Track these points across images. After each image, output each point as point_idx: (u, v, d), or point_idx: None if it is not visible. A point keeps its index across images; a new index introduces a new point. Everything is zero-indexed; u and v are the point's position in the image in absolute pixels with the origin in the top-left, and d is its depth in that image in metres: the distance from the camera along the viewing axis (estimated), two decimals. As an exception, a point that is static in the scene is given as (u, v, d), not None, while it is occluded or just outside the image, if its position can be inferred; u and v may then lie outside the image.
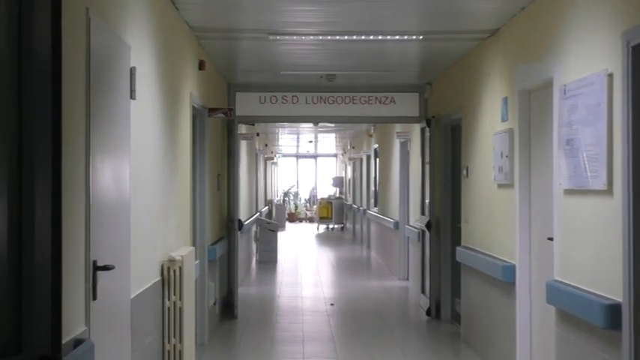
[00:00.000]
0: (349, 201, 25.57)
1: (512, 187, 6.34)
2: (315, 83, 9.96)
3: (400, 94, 10.16)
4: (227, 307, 9.71)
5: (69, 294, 3.36)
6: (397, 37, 7.20)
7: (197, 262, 7.19)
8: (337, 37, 7.23)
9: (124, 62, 4.37)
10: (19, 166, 2.68)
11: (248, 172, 15.03)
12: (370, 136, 17.66)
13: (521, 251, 6.15)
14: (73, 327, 3.46)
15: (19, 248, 2.66)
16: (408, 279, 12.66)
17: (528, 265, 6.13)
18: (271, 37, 7.16)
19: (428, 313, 9.66)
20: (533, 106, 6.10)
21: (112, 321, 4.14)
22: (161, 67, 5.57)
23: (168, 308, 5.71)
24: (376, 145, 16.86)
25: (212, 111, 8.25)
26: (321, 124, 15.43)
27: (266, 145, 21.20)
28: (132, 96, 4.52)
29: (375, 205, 17.01)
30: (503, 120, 6.62)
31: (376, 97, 10.11)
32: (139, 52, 4.81)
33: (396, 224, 13.26)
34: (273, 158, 25.80)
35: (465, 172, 8.15)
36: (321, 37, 7.29)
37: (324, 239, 23.15)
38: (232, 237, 9.87)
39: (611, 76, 4.37)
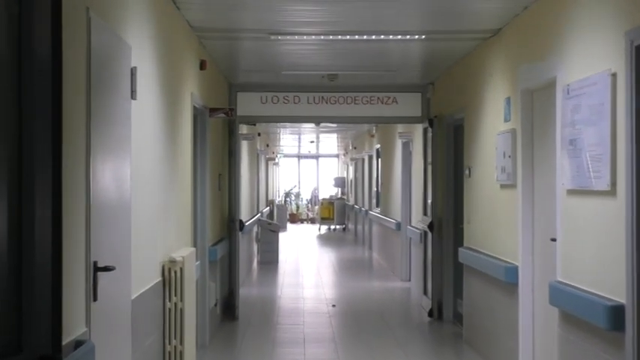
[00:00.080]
0: (351, 201, 25.56)
1: (514, 188, 6.33)
2: (317, 83, 9.94)
3: (402, 94, 10.14)
4: (228, 308, 9.69)
5: (69, 295, 3.35)
6: (399, 36, 7.19)
7: (198, 262, 7.18)
8: (339, 37, 7.23)
9: (124, 62, 4.36)
10: (19, 166, 2.67)
11: (249, 173, 15.02)
12: (372, 136, 17.65)
13: (524, 252, 6.14)
14: (73, 328, 3.45)
15: (19, 248, 2.66)
16: (410, 280, 12.64)
17: (531, 266, 6.11)
18: (272, 37, 7.15)
19: (430, 314, 9.64)
20: (536, 106, 6.08)
21: (112, 322, 4.13)
22: (162, 67, 5.57)
23: (169, 309, 5.70)
24: (378, 146, 16.85)
25: (213, 111, 8.24)
26: (322, 125, 15.41)
27: (267, 145, 21.19)
28: (132, 96, 4.51)
29: (377, 206, 17.00)
30: (506, 120, 6.60)
31: (378, 97, 10.09)
32: (140, 52, 4.80)
33: (398, 225, 13.24)
34: (274, 158, 25.79)
35: (467, 172, 8.14)
36: (322, 37, 7.28)
37: (325, 240, 23.14)
38: (233, 238, 9.85)
39: (614, 75, 4.35)
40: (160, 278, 5.54)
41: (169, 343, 5.72)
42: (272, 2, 6.12)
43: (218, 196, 9.15)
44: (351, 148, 24.27)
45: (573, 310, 4.85)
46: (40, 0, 2.63)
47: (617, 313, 4.21)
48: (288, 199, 32.94)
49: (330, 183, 30.37)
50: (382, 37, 7.20)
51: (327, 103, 10.09)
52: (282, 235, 20.19)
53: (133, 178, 4.51)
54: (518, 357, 6.23)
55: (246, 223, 11.79)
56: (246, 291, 11.75)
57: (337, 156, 32.14)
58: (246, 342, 8.40)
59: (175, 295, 5.72)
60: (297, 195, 33.88)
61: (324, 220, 26.55)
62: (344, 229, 26.62)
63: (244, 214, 12.38)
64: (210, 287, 8.01)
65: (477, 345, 7.71)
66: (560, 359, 5.17)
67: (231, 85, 10.07)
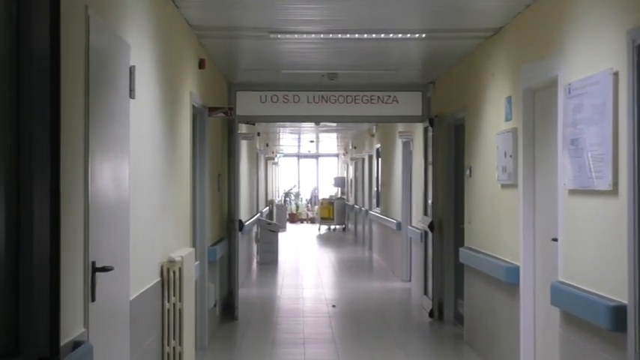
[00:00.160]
0: (351, 201, 25.54)
1: (516, 188, 6.31)
2: (317, 82, 9.92)
3: (403, 94, 10.12)
4: (227, 308, 9.68)
5: (67, 295, 3.34)
6: (400, 35, 7.17)
7: (197, 263, 7.17)
8: (339, 36, 7.21)
9: (123, 61, 4.35)
10: (17, 166, 2.66)
11: (249, 172, 15.00)
12: (372, 135, 17.63)
13: (525, 252, 6.12)
14: (71, 329, 3.44)
15: (17, 249, 2.65)
16: (410, 280, 12.62)
17: (532, 267, 6.10)
18: (272, 36, 7.13)
19: (430, 314, 9.62)
20: (538, 106, 6.07)
21: (111, 323, 4.12)
22: (161, 66, 5.56)
23: (168, 310, 5.69)
24: (378, 145, 16.83)
25: (212, 110, 8.22)
26: (322, 124, 15.40)
27: (267, 144, 21.16)
28: (131, 95, 4.50)
29: (377, 206, 16.98)
30: (507, 119, 6.59)
31: (378, 97, 10.07)
32: (139, 51, 4.80)
33: (399, 225, 13.22)
34: (274, 158, 25.77)
35: (468, 172, 8.13)
36: (322, 36, 7.27)
37: (325, 240, 23.12)
38: (233, 238, 9.83)
39: (616, 74, 4.34)
40: (158, 278, 5.54)
41: (168, 344, 5.71)
42: (272, 1, 6.10)
43: (217, 196, 9.14)
44: (351, 147, 24.25)
45: (575, 310, 4.84)
46: (39, -1, 2.63)
47: (618, 314, 4.19)
48: (287, 198, 32.92)
49: (330, 183, 30.35)
50: (382, 35, 7.18)
51: (327, 102, 10.06)
52: (281, 235, 20.18)
53: (132, 177, 4.50)
54: (520, 358, 6.22)
55: (246, 223, 11.77)
56: (246, 291, 11.74)
57: (337, 155, 32.12)
58: (246, 343, 8.37)
59: (174, 296, 5.71)
60: (297, 195, 33.87)
61: (323, 220, 26.53)
62: (344, 229, 26.61)
63: (244, 214, 12.36)
64: (209, 288, 8.00)
65: (478, 346, 7.69)
66: (561, 360, 5.16)
67: (230, 84, 10.05)
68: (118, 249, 4.22)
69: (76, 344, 3.44)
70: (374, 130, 17.14)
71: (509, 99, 6.56)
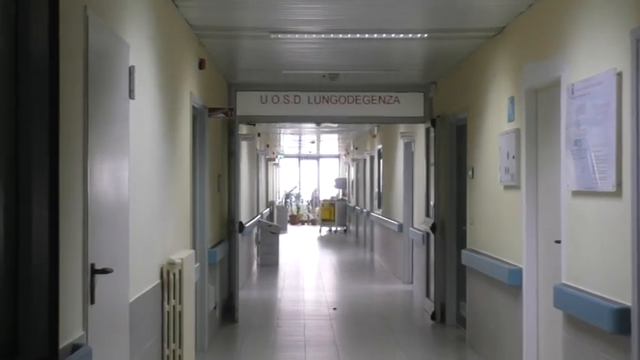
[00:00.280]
0: (352, 203, 25.53)
1: (518, 189, 6.29)
2: (318, 82, 9.91)
3: (404, 94, 10.10)
4: (227, 311, 9.65)
5: (66, 297, 3.33)
6: (401, 35, 7.15)
7: (197, 265, 7.17)
8: (340, 36, 7.20)
9: (122, 61, 4.35)
10: (16, 166, 2.65)
11: (249, 174, 14.99)
12: (374, 136, 17.61)
13: (528, 254, 6.11)
14: (70, 331, 3.43)
15: (15, 250, 2.64)
16: (412, 282, 12.59)
17: (535, 269, 6.09)
18: (273, 36, 7.11)
19: (433, 317, 9.58)
20: (541, 106, 6.06)
21: (110, 325, 4.11)
22: (160, 66, 5.55)
23: (168, 312, 5.68)
24: (380, 146, 16.82)
25: (212, 111, 8.20)
26: (323, 125, 15.39)
27: (267, 145, 21.15)
28: (131, 96, 4.50)
29: (379, 207, 16.97)
30: (510, 120, 6.57)
31: (380, 97, 10.05)
32: (138, 51, 4.80)
33: (400, 226, 13.19)
34: (274, 159, 25.76)
35: (470, 173, 8.11)
36: (323, 36, 7.25)
37: (326, 242, 23.12)
38: (233, 239, 9.81)
39: (620, 75, 4.33)
40: (158, 281, 5.52)
41: (168, 347, 5.69)
42: (272, 0, 6.09)
43: (217, 198, 9.12)
44: (352, 148, 24.24)
45: (578, 312, 4.82)
46: (37, -1, 2.62)
47: (622, 316, 4.17)
48: (288, 200, 32.91)
49: (331, 184, 30.34)
50: (384, 35, 7.17)
51: (327, 102, 10.05)
52: (282, 237, 20.16)
53: (131, 178, 4.49)
54: (522, 360, 6.20)
55: (246, 225, 11.75)
56: (246, 294, 11.72)
57: (338, 156, 32.12)
58: (246, 345, 8.35)
59: (174, 298, 5.70)
60: (298, 196, 33.86)
61: (324, 221, 26.52)
62: (345, 230, 26.60)
63: (244, 215, 12.34)
64: (209, 290, 7.98)
65: (481, 348, 7.67)
66: (565, 363, 5.13)
67: (230, 85, 10.03)
68: (117, 251, 4.21)
69: (75, 347, 3.43)
70: (375, 131, 17.12)
71: (511, 99, 6.55)
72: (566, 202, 5.15)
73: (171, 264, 5.66)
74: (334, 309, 10.58)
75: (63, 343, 3.21)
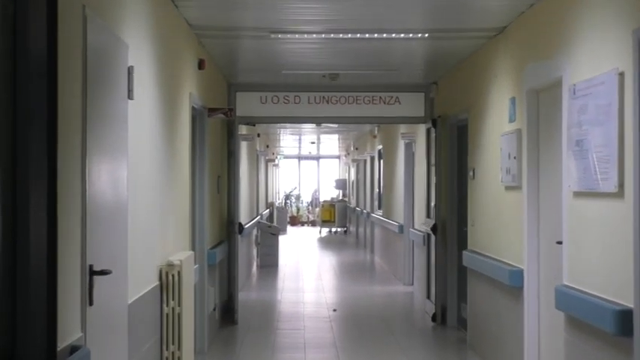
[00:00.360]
0: (352, 204, 25.52)
1: (520, 190, 6.28)
2: (318, 83, 9.89)
3: (405, 94, 10.08)
4: (227, 312, 9.64)
5: (64, 299, 3.32)
6: (402, 35, 7.14)
7: (196, 266, 7.17)
8: (340, 36, 7.19)
9: (121, 61, 4.35)
10: (13, 167, 2.64)
11: (249, 174, 14.98)
12: (374, 137, 17.60)
13: (530, 255, 6.09)
14: (68, 333, 3.42)
15: (13, 251, 2.63)
16: (413, 284, 12.58)
17: (537, 270, 6.07)
18: (273, 36, 7.10)
19: (433, 318, 9.56)
20: (542, 107, 6.05)
21: (108, 327, 4.10)
22: (160, 66, 5.55)
23: (167, 314, 5.67)
24: (380, 147, 16.80)
25: (212, 111, 8.18)
26: (323, 125, 15.38)
27: (267, 146, 21.15)
28: (129, 96, 4.50)
29: (379, 208, 16.95)
30: (511, 120, 6.56)
31: (380, 97, 10.03)
32: (137, 51, 4.79)
33: (401, 228, 13.17)
34: (274, 160, 25.75)
35: (471, 173, 8.10)
36: (323, 36, 7.25)
37: (326, 243, 23.11)
38: (232, 241, 9.79)
39: (622, 75, 4.32)
40: (157, 282, 5.51)
41: (167, 349, 5.68)
42: (273, 0, 6.08)
43: (217, 199, 9.11)
44: (352, 149, 24.23)
45: (580, 314, 4.80)
46: (36, -1, 2.61)
47: (624, 318, 4.16)
48: (288, 201, 32.91)
49: (331, 185, 30.33)
50: (384, 35, 7.16)
51: (328, 103, 10.03)
52: (282, 238, 20.15)
53: (130, 179, 4.48)
54: (524, 362, 6.18)
55: (246, 226, 11.74)
56: (246, 295, 11.71)
57: (338, 157, 32.12)
58: (246, 347, 8.33)
59: (173, 300, 5.69)
60: (298, 197, 33.85)
61: (325, 222, 26.50)
62: (345, 231, 26.58)
63: (244, 216, 12.33)
64: (208, 291, 7.96)
65: (482, 350, 7.65)
66: (566, 365, 5.11)
67: (230, 85, 10.02)
68: (116, 252, 4.20)
69: (73, 349, 3.42)
70: (376, 132, 17.11)
71: (513, 100, 6.53)
72: (567, 202, 5.13)
73: (171, 265, 5.65)
74: (334, 310, 10.56)
75: (61, 344, 3.20)
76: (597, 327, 4.50)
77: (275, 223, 21.95)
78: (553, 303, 5.28)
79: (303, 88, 9.99)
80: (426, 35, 7.18)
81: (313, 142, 24.87)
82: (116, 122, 4.22)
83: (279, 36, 7.13)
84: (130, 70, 4.46)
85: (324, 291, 12.77)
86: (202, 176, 7.82)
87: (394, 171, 14.43)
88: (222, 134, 9.62)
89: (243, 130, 12.08)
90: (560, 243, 5.37)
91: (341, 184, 29.17)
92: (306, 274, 15.25)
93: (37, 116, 2.74)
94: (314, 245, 22.45)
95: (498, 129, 6.97)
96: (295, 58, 8.50)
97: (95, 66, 3.79)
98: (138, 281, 4.83)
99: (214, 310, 8.60)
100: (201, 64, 7.42)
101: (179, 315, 5.73)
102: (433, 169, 9.76)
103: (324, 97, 10.02)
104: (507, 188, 6.69)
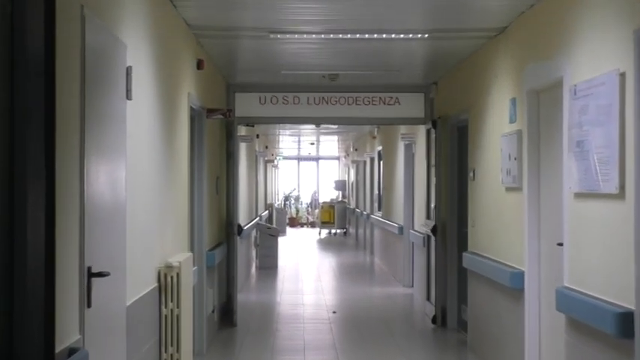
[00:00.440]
0: (352, 205, 25.52)
1: (520, 191, 6.26)
2: (317, 83, 9.88)
3: (405, 95, 10.07)
4: (226, 314, 9.62)
5: (62, 301, 3.31)
6: (402, 35, 7.13)
7: (195, 268, 7.16)
8: (340, 36, 7.18)
9: (119, 61, 4.35)
10: (11, 167, 2.63)
11: (248, 175, 14.98)
12: (374, 137, 17.59)
13: (530, 257, 6.08)
14: (66, 335, 3.42)
15: (10, 252, 2.61)
16: (412, 286, 12.56)
17: (537, 272, 6.06)
18: (272, 36, 7.08)
19: (434, 320, 9.54)
20: (543, 107, 6.04)
21: (107, 329, 4.10)
22: (158, 66, 5.54)
23: (166, 316, 5.65)
24: (380, 148, 16.80)
25: (211, 112, 8.16)
26: (323, 126, 15.36)
27: (266, 147, 21.15)
28: (128, 96, 4.50)
29: (379, 210, 16.94)
30: (512, 121, 6.55)
31: (380, 98, 10.02)
32: (136, 51, 4.79)
33: (401, 229, 13.16)
34: (273, 161, 25.76)
35: (471, 174, 8.09)
36: (323, 36, 7.23)
37: (326, 244, 23.10)
38: (231, 242, 9.77)
39: (623, 75, 4.31)
40: (156, 284, 5.50)
41: (166, 351, 5.67)
42: (272, 0, 6.07)
43: (216, 200, 9.09)
44: (352, 150, 24.23)
45: (581, 316, 4.79)
46: (34, -2, 2.61)
47: (626, 320, 4.15)
48: (287, 202, 32.91)
49: (331, 186, 30.33)
50: (384, 35, 7.15)
51: (327, 103, 10.01)
52: (281, 240, 20.14)
53: (129, 180, 4.47)
54: (524, 364, 6.16)
55: (245, 228, 11.73)
56: (245, 297, 11.69)
57: (338, 158, 32.13)
58: (245, 349, 8.31)
59: (172, 302, 5.67)
60: (297, 198, 33.86)
61: (324, 224, 26.49)
62: (345, 233, 26.58)
63: (243, 218, 12.32)
64: (207, 293, 7.95)
65: (482, 352, 7.64)
66: (567, 367, 5.10)
67: (229, 85, 10.00)
68: (114, 254, 4.19)
69: (71, 351, 3.42)
70: (375, 132, 17.11)
71: (513, 100, 6.52)
72: (568, 204, 5.12)
73: (169, 267, 5.64)
74: (334, 312, 10.54)
75: (59, 347, 3.19)
76: (598, 329, 4.49)
77: (274, 225, 21.94)
78: (554, 305, 5.27)
79: (302, 89, 9.98)
80: (426, 35, 7.17)
81: (313, 143, 24.87)
82: (114, 122, 4.21)
83: (279, 36, 7.11)
84: (128, 70, 4.46)
85: (324, 293, 12.75)
86: (201, 177, 7.80)
87: (394, 172, 14.42)
88: (221, 135, 9.60)
89: (242, 130, 12.08)
90: (560, 244, 5.36)
91: (340, 186, 29.17)
92: (306, 275, 15.23)
93: (35, 116, 2.73)
94: (313, 247, 22.44)
95: (499, 130, 6.96)
96: (295, 58, 8.48)
97: (93, 66, 3.78)
98: (136, 283, 4.82)
99: (213, 311, 8.58)
100: (199, 65, 7.40)
101: (178, 317, 5.72)
102: (433, 170, 9.74)
103: (323, 97, 10.00)
104: (508, 189, 6.67)
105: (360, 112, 10.06)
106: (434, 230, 9.57)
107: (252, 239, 15.76)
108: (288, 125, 16.61)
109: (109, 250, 4.08)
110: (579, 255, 4.95)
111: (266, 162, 22.46)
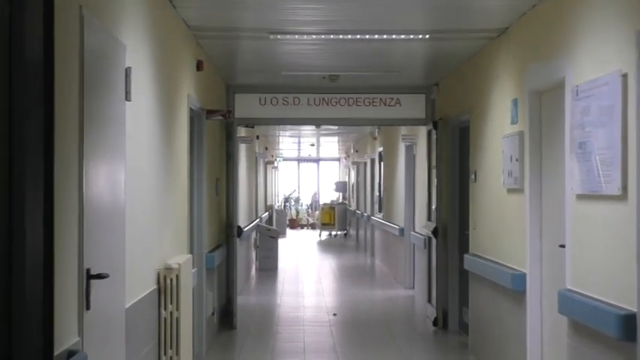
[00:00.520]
0: (353, 206, 25.51)
1: (522, 192, 6.25)
2: (318, 84, 9.87)
3: (406, 96, 10.06)
4: (226, 316, 9.61)
5: (61, 303, 3.31)
6: (403, 36, 7.12)
7: (195, 270, 7.16)
8: (340, 37, 7.17)
9: (119, 62, 4.34)
10: (9, 169, 2.62)
11: (247, 177, 14.97)
12: (374, 139, 17.59)
13: (532, 259, 6.07)
14: (65, 338, 3.41)
15: (8, 254, 2.60)
16: (413, 288, 12.55)
17: (539, 274, 6.05)
18: (272, 37, 7.07)
19: (435, 323, 9.52)
20: (544, 108, 6.03)
21: (106, 331, 4.09)
22: (158, 67, 5.54)
23: (165, 318, 5.64)
24: (381, 149, 16.79)
25: (210, 113, 8.15)
26: (323, 127, 15.36)
27: (266, 148, 21.15)
28: (127, 97, 4.49)
29: (380, 211, 16.93)
30: (513, 122, 6.54)
31: (381, 99, 10.01)
32: (135, 52, 4.78)
33: (402, 231, 13.14)
34: (273, 162, 25.75)
35: (473, 176, 8.08)
36: (323, 37, 7.23)
37: (326, 246, 23.09)
38: (231, 244, 9.76)
39: (625, 76, 4.30)
40: (155, 286, 5.49)
41: (165, 354, 5.66)
42: (272, 1, 6.05)
43: (215, 201, 9.08)
44: (352, 151, 24.23)
45: (583, 319, 4.78)
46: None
47: (628, 322, 4.14)
48: (287, 204, 32.92)
49: (331, 187, 30.34)
50: (385, 36, 7.14)
51: (327, 104, 10.01)
52: (281, 242, 20.13)
53: (128, 182, 4.46)
54: (526, 367, 6.14)
55: (245, 229, 11.72)
56: (245, 299, 11.69)
57: (338, 159, 32.14)
58: (245, 352, 8.30)
59: (171, 304, 5.66)
60: (297, 200, 33.86)
61: (324, 225, 26.48)
62: (345, 235, 26.57)
63: (242, 219, 12.31)
64: (207, 295, 7.94)
65: (484, 355, 7.63)
66: (570, 370, 5.08)
67: (228, 87, 9.99)
68: (113, 256, 4.18)
69: (70, 353, 3.41)
70: (376, 134, 17.11)
71: (514, 101, 6.50)
72: (570, 205, 5.11)
73: (169, 269, 5.62)
74: (334, 315, 10.52)
75: (58, 349, 3.18)
76: (601, 331, 4.48)
77: (274, 226, 21.93)
78: (556, 307, 5.26)
79: (302, 90, 9.97)
80: (427, 36, 7.16)
81: (313, 144, 24.88)
82: (113, 124, 4.20)
83: (279, 37, 7.10)
84: (127, 72, 4.45)
85: (324, 295, 12.73)
86: (201, 179, 7.80)
87: (395, 173, 14.41)
88: (220, 136, 9.60)
89: (241, 132, 12.07)
90: (563, 246, 5.35)
91: (341, 187, 29.17)
92: (306, 277, 15.22)
93: (34, 117, 2.72)
94: (314, 248, 22.44)
95: (500, 131, 6.95)
96: (295, 59, 8.47)
97: (92, 67, 3.78)
98: (135, 285, 4.80)
99: (213, 314, 8.57)
100: (199, 66, 7.39)
101: (177, 319, 5.71)
102: (434, 171, 9.73)
103: (323, 98, 9.99)
104: (509, 191, 6.66)
105: (361, 113, 10.05)
106: (435, 232, 9.55)
107: (252, 241, 15.76)
108: (289, 126, 16.61)
109: (108, 251, 4.07)
110: (581, 257, 4.94)
111: (266, 163, 22.46)
